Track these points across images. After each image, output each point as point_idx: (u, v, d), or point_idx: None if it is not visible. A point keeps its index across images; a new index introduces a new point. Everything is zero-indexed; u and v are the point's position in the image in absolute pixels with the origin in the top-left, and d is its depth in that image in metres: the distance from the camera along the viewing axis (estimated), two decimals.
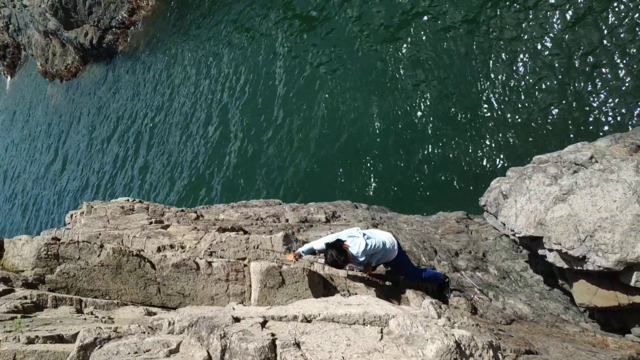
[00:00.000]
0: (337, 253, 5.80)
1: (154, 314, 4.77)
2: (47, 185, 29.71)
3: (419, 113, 13.45)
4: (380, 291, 6.24)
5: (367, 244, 5.97)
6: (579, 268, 6.38)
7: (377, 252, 6.08)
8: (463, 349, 3.07)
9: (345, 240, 5.99)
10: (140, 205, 9.04)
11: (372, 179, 13.57)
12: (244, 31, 20.67)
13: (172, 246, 7.05)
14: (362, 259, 5.99)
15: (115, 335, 3.18)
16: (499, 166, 11.25)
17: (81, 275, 5.51)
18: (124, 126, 25.66)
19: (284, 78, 17.71)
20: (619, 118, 10.21)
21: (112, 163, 24.71)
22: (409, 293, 6.43)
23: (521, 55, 12.05)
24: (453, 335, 3.10)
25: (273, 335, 3.00)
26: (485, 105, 12.23)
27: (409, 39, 14.48)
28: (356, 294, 5.97)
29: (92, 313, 5.03)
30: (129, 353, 2.99)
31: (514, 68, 12.08)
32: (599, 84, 10.70)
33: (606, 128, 10.18)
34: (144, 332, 3.35)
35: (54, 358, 3.59)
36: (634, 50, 10.38)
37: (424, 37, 14.14)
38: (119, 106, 27.12)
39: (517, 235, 7.27)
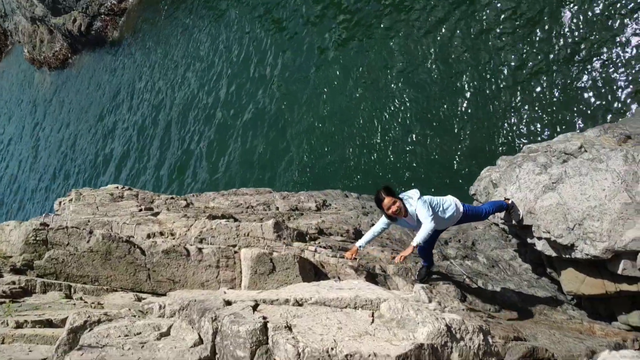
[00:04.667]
0: (385, 190, 5.65)
1: (144, 299, 4.75)
2: (35, 172, 29.43)
3: (410, 104, 13.45)
4: (370, 278, 6.26)
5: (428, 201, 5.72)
6: (567, 256, 6.44)
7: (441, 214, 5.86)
8: (454, 332, 3.09)
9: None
10: (129, 193, 8.98)
11: (363, 169, 13.57)
12: (240, 16, 20.49)
13: (162, 233, 7.02)
14: (426, 212, 5.59)
15: (106, 318, 3.16)
16: (490, 156, 11.28)
17: (70, 261, 5.48)
18: (113, 115, 25.44)
19: (281, 66, 17.61)
20: (608, 109, 10.27)
21: (100, 151, 24.52)
22: (398, 280, 6.46)
23: (512, 46, 12.07)
24: (444, 319, 3.12)
25: (265, 318, 3.00)
26: (477, 97, 12.24)
27: (403, 30, 14.45)
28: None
29: (81, 299, 5.01)
30: (119, 336, 2.98)
31: (505, 60, 12.09)
32: (590, 75, 10.74)
33: (596, 118, 10.23)
34: (134, 316, 3.33)
35: (43, 342, 3.57)
36: (623, 40, 10.42)
37: (418, 27, 14.12)
38: (108, 95, 26.87)
39: (505, 222, 7.31)
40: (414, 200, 5.68)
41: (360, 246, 6.11)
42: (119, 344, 2.89)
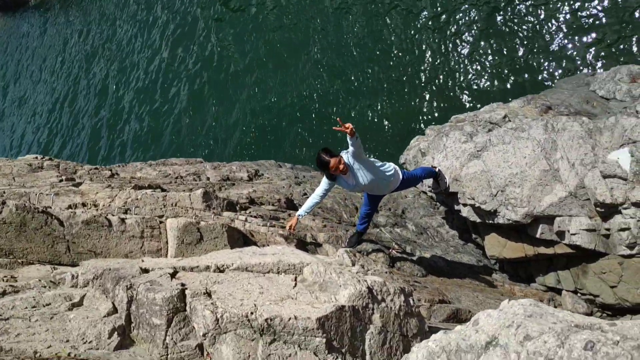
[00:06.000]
0: (325, 151, 5.55)
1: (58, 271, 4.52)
2: None
3: (341, 74, 13.43)
4: (301, 246, 6.25)
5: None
6: (490, 222, 6.67)
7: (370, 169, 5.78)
8: (375, 294, 3.11)
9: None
10: (50, 163, 8.52)
11: (295, 140, 13.51)
12: None
13: (84, 204, 6.71)
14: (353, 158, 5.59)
15: (12, 289, 2.97)
16: (420, 126, 11.48)
17: None
18: (36, 82, 24.03)
19: (208, 35, 17.11)
20: (532, 81, 10.64)
21: (20, 119, 23.17)
22: (329, 247, 6.49)
23: (442, 19, 12.22)
24: (365, 281, 3.14)
25: (183, 285, 2.91)
26: (407, 69, 12.37)
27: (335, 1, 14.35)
28: None
29: None
30: (26, 307, 2.81)
31: (437, 32, 12.24)
32: (516, 49, 11.06)
33: (520, 90, 10.58)
34: (44, 287, 3.15)
35: None
36: (545, 16, 10.77)
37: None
38: (30, 60, 25.31)
39: (433, 191, 7.48)
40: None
41: (300, 215, 6.06)
42: (25, 315, 2.73)
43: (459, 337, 1.56)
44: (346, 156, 5.67)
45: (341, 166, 5.55)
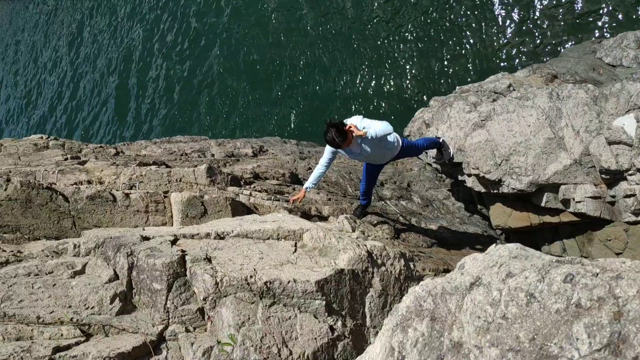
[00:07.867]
0: (337, 131, 5.25)
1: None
2: None
3: (345, 46, 13.31)
4: (305, 219, 6.26)
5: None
6: (495, 191, 6.64)
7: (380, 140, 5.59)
8: (375, 258, 3.12)
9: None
10: (55, 142, 8.56)
11: (296, 115, 13.47)
12: None
13: (89, 182, 6.75)
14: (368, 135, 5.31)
15: (15, 259, 3.01)
16: (425, 99, 11.39)
17: None
18: (42, 64, 24.05)
19: (204, 11, 17.00)
20: (537, 50, 10.50)
21: (21, 101, 23.26)
22: (333, 220, 6.50)
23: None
24: (365, 245, 3.15)
25: (183, 251, 2.93)
26: (411, 40, 12.23)
27: None
28: None
29: None
30: (29, 274, 2.85)
31: (441, 1, 12.08)
32: (522, 18, 10.90)
33: (526, 59, 10.45)
34: (47, 256, 3.19)
35: None
36: None
37: None
38: (38, 41, 25.31)
39: (437, 162, 7.44)
40: (359, 121, 5.52)
41: (307, 188, 5.98)
42: (28, 283, 2.76)
43: (444, 281, 1.57)
44: (361, 125, 5.51)
45: (348, 140, 5.42)
